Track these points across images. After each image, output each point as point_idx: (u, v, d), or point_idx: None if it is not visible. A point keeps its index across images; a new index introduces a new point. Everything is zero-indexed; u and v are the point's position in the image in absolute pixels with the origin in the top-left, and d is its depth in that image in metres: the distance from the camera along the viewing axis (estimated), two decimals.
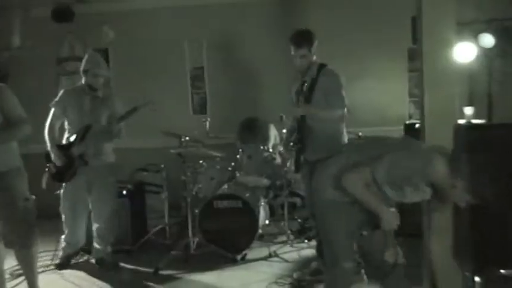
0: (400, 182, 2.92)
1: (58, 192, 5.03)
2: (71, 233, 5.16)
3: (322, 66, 4.45)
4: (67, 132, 5.00)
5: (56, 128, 4.95)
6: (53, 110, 4.94)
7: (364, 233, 3.08)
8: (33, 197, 4.22)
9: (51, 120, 4.92)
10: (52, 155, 4.83)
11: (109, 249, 5.19)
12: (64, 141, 4.97)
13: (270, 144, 6.05)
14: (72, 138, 4.90)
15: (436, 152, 2.93)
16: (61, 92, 5.01)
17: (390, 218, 2.94)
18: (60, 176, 4.89)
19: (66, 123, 5.00)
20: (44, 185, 4.79)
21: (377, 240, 3.18)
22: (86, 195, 5.04)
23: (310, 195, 3.97)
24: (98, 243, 5.15)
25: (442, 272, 3.80)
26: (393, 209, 3.01)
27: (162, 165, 5.79)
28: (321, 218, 3.33)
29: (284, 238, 5.66)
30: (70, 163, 4.84)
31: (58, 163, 4.81)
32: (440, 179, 2.82)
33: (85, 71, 4.94)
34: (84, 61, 4.98)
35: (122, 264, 5.22)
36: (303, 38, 4.42)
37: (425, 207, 3.91)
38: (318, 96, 4.38)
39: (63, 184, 4.99)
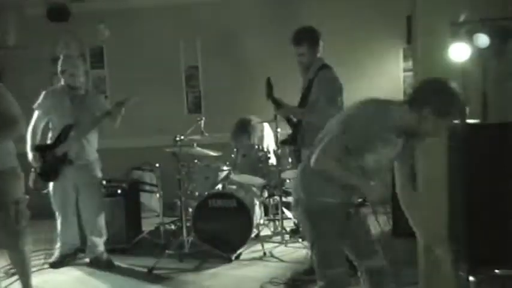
0: (367, 143, 2.82)
1: (45, 191, 5.01)
2: (63, 232, 5.16)
3: (323, 66, 4.41)
4: (51, 132, 5.00)
5: (38, 130, 4.95)
6: (36, 112, 4.94)
7: (351, 210, 2.98)
8: (27, 197, 4.21)
9: (35, 122, 4.92)
10: (30, 157, 4.82)
11: (103, 248, 5.17)
12: (48, 142, 4.96)
13: (265, 144, 6.06)
14: (55, 139, 4.90)
15: (388, 101, 2.88)
16: (42, 94, 4.98)
17: (373, 190, 2.82)
18: (46, 175, 4.88)
19: (50, 124, 5.00)
20: (31, 184, 4.77)
21: (363, 219, 3.09)
22: (74, 194, 5.04)
23: None
24: (91, 242, 5.14)
25: (436, 272, 3.80)
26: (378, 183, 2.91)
27: (157, 165, 5.78)
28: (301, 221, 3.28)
29: (279, 238, 5.66)
30: (54, 163, 4.83)
31: (35, 164, 4.82)
32: (404, 121, 2.78)
33: (62, 72, 4.93)
34: (60, 62, 4.96)
35: (117, 263, 5.21)
36: (302, 36, 4.39)
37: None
38: (313, 98, 4.36)
39: (51, 184, 4.99)
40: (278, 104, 4.55)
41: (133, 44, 7.28)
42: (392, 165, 3.04)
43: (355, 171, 2.88)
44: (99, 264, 5.11)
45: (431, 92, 2.74)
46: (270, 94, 4.55)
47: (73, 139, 4.85)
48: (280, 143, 5.37)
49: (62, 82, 4.99)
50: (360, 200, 3.07)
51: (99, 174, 5.17)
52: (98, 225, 5.12)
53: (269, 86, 4.57)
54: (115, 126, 5.06)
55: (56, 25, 7.26)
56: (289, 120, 4.64)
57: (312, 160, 2.86)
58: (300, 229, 5.78)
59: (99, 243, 5.15)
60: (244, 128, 6.18)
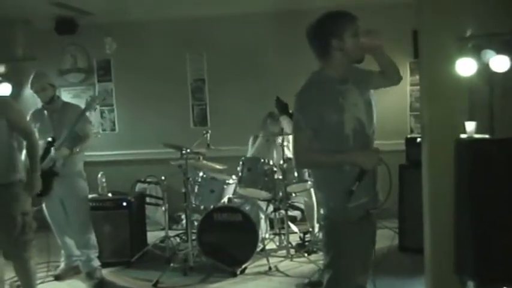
0: (324, 122, 2.77)
1: (38, 207, 4.96)
2: (64, 245, 5.19)
3: None
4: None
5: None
6: None
7: (354, 188, 2.89)
8: (34, 208, 4.21)
9: None
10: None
11: (97, 264, 5.14)
12: None
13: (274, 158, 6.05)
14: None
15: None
16: (28, 116, 4.99)
17: (363, 157, 2.73)
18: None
19: None
20: None
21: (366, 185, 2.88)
22: (61, 207, 5.04)
23: None
24: (82, 255, 5.11)
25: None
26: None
27: (163, 177, 5.77)
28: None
29: (284, 252, 5.63)
30: (43, 178, 4.81)
31: None
32: (332, 71, 2.85)
33: (33, 91, 4.97)
34: (29, 83, 4.98)
35: (122, 276, 5.20)
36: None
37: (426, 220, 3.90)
38: None
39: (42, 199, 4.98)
40: None
41: (141, 57, 7.31)
42: (370, 130, 2.94)
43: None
44: (91, 281, 5.07)
45: (321, 24, 2.84)
46: (284, 111, 4.49)
47: (57, 152, 4.83)
48: None
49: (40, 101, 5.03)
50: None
51: (83, 187, 5.12)
52: (85, 238, 5.08)
53: (280, 103, 4.51)
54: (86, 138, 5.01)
55: (63, 38, 7.31)
56: None
57: (294, 163, 2.90)
58: (306, 243, 5.78)
59: (91, 257, 5.11)
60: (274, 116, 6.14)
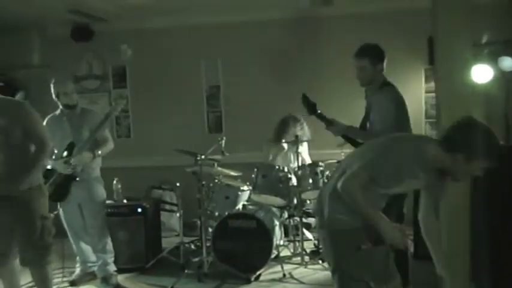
0: (396, 177, 2.84)
1: (55, 212, 4.99)
2: (79, 251, 5.21)
3: (384, 84, 4.19)
4: (54, 155, 5.02)
5: None
6: None
7: (363, 246, 2.94)
8: (52, 215, 4.24)
9: None
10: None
11: (112, 269, 5.16)
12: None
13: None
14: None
15: (424, 139, 2.93)
16: (45, 121, 5.01)
17: (392, 231, 2.81)
18: (56, 196, 4.83)
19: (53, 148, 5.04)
20: None
21: (378, 257, 2.99)
22: (79, 211, 5.06)
23: None
24: (98, 260, 5.14)
25: None
26: (397, 225, 2.91)
27: (178, 184, 5.79)
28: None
29: (298, 259, 5.61)
30: (63, 182, 4.84)
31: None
32: (437, 161, 2.77)
33: (56, 95, 4.97)
34: (52, 86, 4.99)
35: (136, 282, 5.21)
36: (365, 49, 4.18)
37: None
38: (373, 118, 4.17)
39: (58, 204, 5.01)
40: (328, 121, 4.33)
41: (156, 63, 7.35)
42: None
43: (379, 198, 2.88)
44: (106, 286, 5.09)
45: (469, 137, 2.73)
46: (313, 110, 4.36)
47: (78, 157, 4.85)
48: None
49: (60, 106, 5.02)
50: None
51: (101, 192, 5.15)
52: (101, 243, 5.10)
53: (307, 101, 4.38)
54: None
55: (79, 45, 7.37)
56: (348, 138, 4.46)
57: (340, 183, 2.85)
58: (321, 251, 5.75)
59: (107, 262, 5.14)
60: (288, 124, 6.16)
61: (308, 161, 6.25)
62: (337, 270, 3.03)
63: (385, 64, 4.18)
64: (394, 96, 4.08)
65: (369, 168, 2.83)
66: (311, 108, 4.34)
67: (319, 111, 4.32)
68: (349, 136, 4.34)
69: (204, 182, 5.51)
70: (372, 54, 4.13)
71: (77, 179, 4.84)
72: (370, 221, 2.84)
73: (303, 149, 6.21)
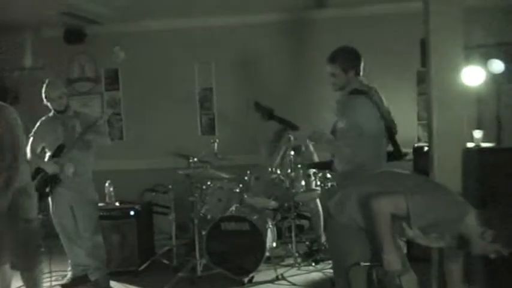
0: (427, 227, 2.81)
1: (41, 215, 4.96)
2: (71, 254, 5.18)
3: (354, 91, 3.95)
4: (47, 157, 5.02)
5: (36, 151, 4.99)
6: (31, 138, 4.98)
7: (362, 264, 2.98)
8: (40, 216, 4.21)
9: (31, 146, 4.93)
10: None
11: (105, 272, 5.13)
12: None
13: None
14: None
15: (469, 205, 2.85)
16: (38, 123, 5.02)
17: (393, 261, 2.83)
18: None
19: (45, 149, 5.04)
20: None
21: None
22: (71, 214, 5.04)
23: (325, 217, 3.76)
24: (90, 263, 5.12)
25: None
26: (399, 266, 2.89)
27: (170, 186, 5.78)
28: (334, 243, 3.27)
29: (291, 261, 5.61)
30: (44, 182, 4.82)
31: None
32: (470, 232, 2.74)
33: (46, 98, 4.95)
34: (43, 91, 4.98)
35: (128, 285, 5.20)
36: (336, 54, 4.00)
37: None
38: (340, 125, 3.96)
39: (50, 207, 5.00)
40: (291, 125, 4.21)
41: (149, 66, 7.34)
42: None
43: None
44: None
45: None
46: (270, 116, 4.21)
47: (65, 159, 4.85)
48: (314, 166, 5.32)
49: (51, 108, 5.02)
50: None
51: (92, 195, 5.12)
52: (94, 246, 5.06)
53: (261, 108, 4.25)
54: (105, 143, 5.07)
55: (71, 47, 7.35)
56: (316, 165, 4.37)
57: (376, 199, 2.84)
58: (313, 252, 5.77)
59: (100, 265, 5.11)
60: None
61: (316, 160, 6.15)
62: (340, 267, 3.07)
63: (361, 69, 4.01)
64: (359, 106, 3.87)
65: (409, 199, 2.79)
66: (267, 114, 4.21)
67: (277, 116, 4.16)
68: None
69: (197, 185, 5.50)
70: (343, 60, 3.96)
71: (60, 182, 4.83)
72: (381, 246, 2.85)
73: (310, 149, 6.11)
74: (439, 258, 3.66)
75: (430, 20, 3.83)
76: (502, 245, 2.69)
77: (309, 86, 6.73)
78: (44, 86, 4.96)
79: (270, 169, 5.72)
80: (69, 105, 5.05)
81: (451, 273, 3.09)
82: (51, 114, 5.05)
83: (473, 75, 5.29)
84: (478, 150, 4.50)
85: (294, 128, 4.05)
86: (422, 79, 6.68)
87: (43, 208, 4.73)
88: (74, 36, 7.30)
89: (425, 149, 4.81)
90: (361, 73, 4.01)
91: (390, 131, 3.96)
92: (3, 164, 3.91)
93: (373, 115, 3.85)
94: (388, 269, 2.85)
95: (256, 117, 5.48)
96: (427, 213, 2.77)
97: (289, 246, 5.85)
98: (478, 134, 4.75)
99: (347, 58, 3.97)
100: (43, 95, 4.95)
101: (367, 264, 2.98)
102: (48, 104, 4.98)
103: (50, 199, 4.95)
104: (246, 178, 5.77)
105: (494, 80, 5.72)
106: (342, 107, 3.98)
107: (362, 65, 4.00)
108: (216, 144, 5.76)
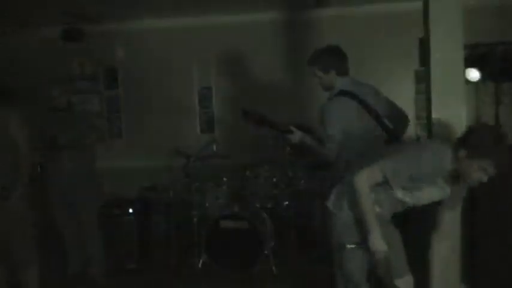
0: (411, 183, 2.90)
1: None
2: (69, 250, 5.22)
3: (339, 93, 3.86)
4: None
5: None
6: None
7: (348, 246, 3.02)
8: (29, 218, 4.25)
9: None
10: None
11: (102, 269, 5.19)
12: None
13: None
14: None
15: (444, 144, 2.94)
16: (42, 118, 5.12)
17: (377, 239, 2.86)
18: None
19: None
20: None
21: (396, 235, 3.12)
22: (72, 212, 5.09)
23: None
24: (89, 259, 5.15)
25: None
26: (385, 247, 2.90)
27: (169, 184, 5.79)
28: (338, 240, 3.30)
29: (290, 256, 5.62)
30: None
31: None
32: (459, 166, 2.83)
33: (47, 98, 5.05)
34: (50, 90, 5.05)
35: (129, 282, 5.21)
36: (314, 56, 3.93)
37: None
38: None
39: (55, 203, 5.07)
40: (285, 130, 4.06)
41: (147, 64, 7.33)
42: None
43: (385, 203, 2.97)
44: (94, 285, 5.11)
45: (493, 144, 2.77)
46: (264, 122, 4.05)
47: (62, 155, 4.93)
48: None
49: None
50: None
51: (94, 190, 5.17)
52: (93, 243, 5.13)
53: (250, 116, 4.08)
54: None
55: (71, 45, 7.34)
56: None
57: (356, 175, 2.92)
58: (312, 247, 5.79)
59: (99, 261, 5.15)
60: None
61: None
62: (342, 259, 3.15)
63: (345, 68, 3.95)
64: (336, 108, 3.78)
65: (384, 166, 2.89)
66: (260, 120, 4.04)
67: (268, 121, 4.02)
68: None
69: (196, 183, 5.52)
70: (321, 61, 3.89)
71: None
72: (364, 223, 2.90)
73: None
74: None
75: (429, 18, 3.84)
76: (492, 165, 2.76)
77: (308, 85, 6.74)
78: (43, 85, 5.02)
79: (267, 167, 5.73)
80: (67, 105, 5.09)
81: (445, 222, 3.15)
82: (52, 111, 5.10)
83: (471, 75, 5.32)
84: None
85: (286, 131, 3.94)
86: (420, 78, 6.72)
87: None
88: (73, 34, 7.28)
89: None
90: (349, 71, 3.97)
91: (388, 130, 3.93)
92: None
93: (350, 116, 3.75)
94: (374, 249, 2.87)
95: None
96: (402, 171, 2.87)
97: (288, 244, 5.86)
98: None
99: (325, 59, 3.89)
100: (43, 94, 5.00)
101: (353, 246, 3.02)
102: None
103: (50, 193, 5.00)
104: (245, 176, 5.78)
105: (492, 78, 5.75)
106: (319, 111, 3.89)
107: (346, 63, 3.95)
108: (215, 143, 5.77)
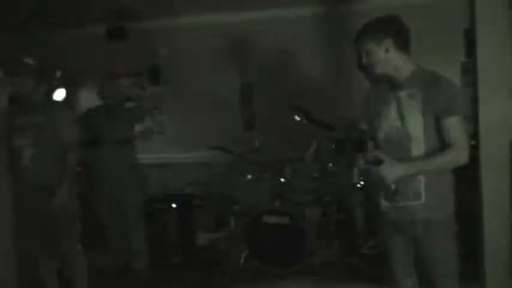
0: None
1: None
2: (113, 243, 5.31)
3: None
4: None
5: None
6: None
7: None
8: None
9: None
10: None
11: (144, 263, 5.22)
12: None
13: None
14: None
15: None
16: (82, 114, 5.38)
17: (390, 165, 2.77)
18: None
19: None
20: None
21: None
22: (117, 204, 5.18)
23: None
24: (131, 253, 5.21)
25: None
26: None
27: (212, 180, 5.80)
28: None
29: (333, 254, 5.56)
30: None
31: None
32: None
33: (102, 96, 5.26)
34: (99, 89, 5.21)
35: (170, 277, 5.25)
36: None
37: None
38: None
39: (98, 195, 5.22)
40: (328, 126, 3.91)
41: (189, 61, 7.36)
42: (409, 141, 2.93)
43: None
44: (139, 280, 5.17)
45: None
46: (309, 119, 3.94)
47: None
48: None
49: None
50: None
51: (137, 182, 5.26)
52: (136, 236, 5.19)
53: (301, 111, 3.95)
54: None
55: (113, 43, 7.44)
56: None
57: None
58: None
59: (141, 255, 5.20)
60: None
61: None
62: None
63: None
64: None
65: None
66: (308, 116, 3.89)
67: (315, 118, 3.87)
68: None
69: (238, 178, 5.52)
70: None
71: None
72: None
73: None
74: None
75: (476, 9, 3.74)
76: None
77: (347, 79, 6.66)
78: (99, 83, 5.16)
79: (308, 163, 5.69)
80: (114, 101, 5.21)
81: None
82: (92, 107, 5.18)
83: None
84: None
85: (330, 129, 3.86)
86: (466, 70, 6.54)
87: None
88: (116, 32, 7.38)
89: (472, 142, 4.71)
90: None
91: None
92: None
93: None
94: (385, 173, 2.79)
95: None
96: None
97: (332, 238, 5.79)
98: None
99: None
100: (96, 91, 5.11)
101: None
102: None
103: (92, 187, 5.09)
104: (285, 172, 5.74)
105: None
106: None
107: None
108: (257, 139, 5.75)
